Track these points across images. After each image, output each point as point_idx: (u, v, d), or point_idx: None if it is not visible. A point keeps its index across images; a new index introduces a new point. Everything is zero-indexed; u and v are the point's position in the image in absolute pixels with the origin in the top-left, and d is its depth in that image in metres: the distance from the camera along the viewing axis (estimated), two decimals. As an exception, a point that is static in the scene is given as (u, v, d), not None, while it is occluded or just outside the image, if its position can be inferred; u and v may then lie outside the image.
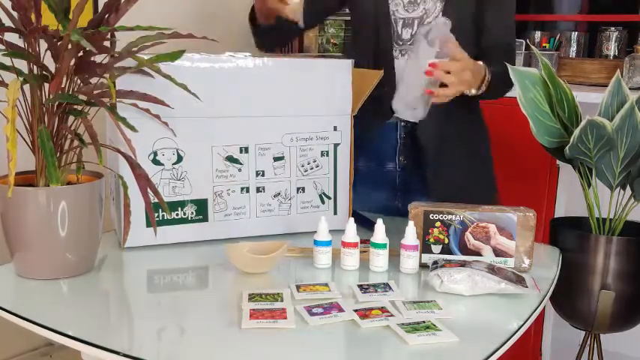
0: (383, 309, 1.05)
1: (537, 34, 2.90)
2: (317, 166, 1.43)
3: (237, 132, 1.35)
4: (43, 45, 1.10)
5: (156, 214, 1.30)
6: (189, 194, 1.33)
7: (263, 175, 1.39)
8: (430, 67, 1.33)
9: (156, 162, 1.30)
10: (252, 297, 1.08)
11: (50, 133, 1.09)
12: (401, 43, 1.52)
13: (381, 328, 1.00)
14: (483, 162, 1.64)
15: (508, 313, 1.09)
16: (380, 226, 1.23)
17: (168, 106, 1.17)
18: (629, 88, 1.51)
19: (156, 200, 1.18)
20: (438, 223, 1.24)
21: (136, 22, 1.12)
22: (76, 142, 1.14)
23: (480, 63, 1.42)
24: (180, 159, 1.32)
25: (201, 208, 1.35)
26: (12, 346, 1.95)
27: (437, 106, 1.41)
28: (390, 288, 1.15)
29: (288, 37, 1.88)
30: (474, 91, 1.43)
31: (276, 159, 1.40)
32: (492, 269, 1.15)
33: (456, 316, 1.05)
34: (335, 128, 1.43)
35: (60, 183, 1.11)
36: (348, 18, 2.06)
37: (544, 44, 2.80)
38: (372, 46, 1.55)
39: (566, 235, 1.49)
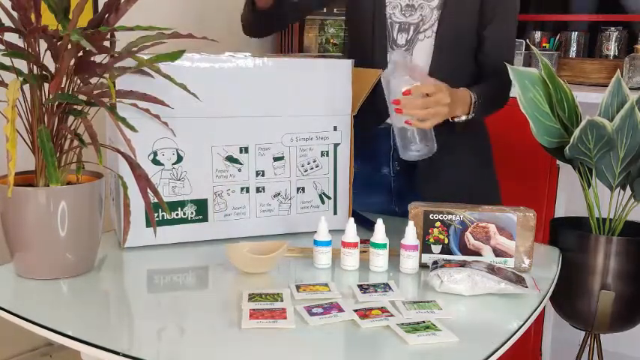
0: (383, 309, 1.05)
1: (537, 34, 2.90)
2: (317, 166, 1.43)
3: (237, 132, 1.35)
4: (43, 45, 1.10)
5: (156, 214, 1.30)
6: (189, 194, 1.33)
7: (263, 175, 1.39)
8: (404, 95, 1.32)
9: (156, 162, 1.30)
10: (252, 297, 1.08)
11: (50, 133, 1.09)
12: (395, 48, 1.52)
13: (381, 328, 1.00)
14: (486, 163, 1.64)
15: (508, 313, 1.09)
16: (380, 226, 1.23)
17: (168, 106, 1.17)
18: (629, 88, 1.51)
19: (156, 200, 1.18)
20: (437, 223, 1.24)
21: (136, 22, 1.11)
22: (75, 142, 1.14)
23: (462, 89, 1.41)
24: (180, 159, 1.32)
25: (201, 208, 1.35)
26: (12, 346, 1.95)
27: None
28: (390, 288, 1.15)
29: (286, 21, 1.82)
30: (463, 117, 1.43)
31: (276, 159, 1.40)
32: (492, 269, 1.15)
33: (456, 316, 1.05)
34: (335, 128, 1.43)
35: (60, 183, 1.11)
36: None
37: (544, 44, 2.80)
38: (366, 48, 1.54)
39: (566, 235, 1.49)
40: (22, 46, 1.11)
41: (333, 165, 1.45)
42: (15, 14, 1.09)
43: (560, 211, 2.25)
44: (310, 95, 1.40)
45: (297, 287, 1.13)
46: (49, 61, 1.11)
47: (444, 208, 1.25)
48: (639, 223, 1.54)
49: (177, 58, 1.14)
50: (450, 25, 1.47)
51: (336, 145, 1.44)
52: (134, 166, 1.15)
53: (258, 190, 1.39)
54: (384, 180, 1.60)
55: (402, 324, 1.00)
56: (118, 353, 0.90)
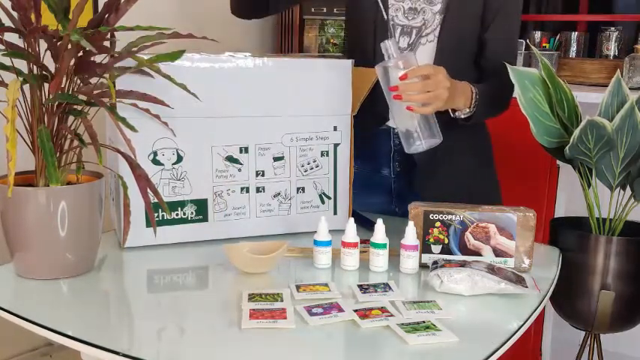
0: (383, 309, 1.05)
1: (537, 34, 2.90)
2: (317, 166, 1.43)
3: (237, 132, 1.35)
4: (43, 45, 1.10)
5: (156, 214, 1.30)
6: (189, 194, 1.33)
7: (263, 175, 1.39)
8: (401, 81, 1.28)
9: (156, 162, 1.30)
10: (252, 297, 1.08)
11: (50, 133, 1.09)
12: None
13: (380, 328, 1.00)
14: (486, 164, 1.63)
15: (508, 313, 1.09)
16: (380, 226, 1.23)
17: (168, 106, 1.17)
18: (629, 88, 1.50)
19: (156, 200, 1.18)
20: (437, 223, 1.24)
21: (136, 22, 1.11)
22: (75, 142, 1.14)
23: (463, 82, 1.39)
24: (180, 159, 1.32)
25: (201, 208, 1.35)
26: (12, 346, 1.95)
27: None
28: (390, 288, 1.15)
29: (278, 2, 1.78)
30: (466, 111, 1.42)
31: (276, 159, 1.40)
32: (492, 269, 1.15)
33: (456, 316, 1.05)
34: (335, 128, 1.43)
35: (60, 183, 1.11)
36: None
37: (544, 44, 2.80)
38: (367, 48, 1.53)
39: (566, 235, 1.49)
40: (22, 46, 1.11)
41: (333, 165, 1.45)
42: (15, 14, 1.09)
43: (560, 211, 2.25)
44: (310, 95, 1.40)
45: (297, 287, 1.13)
46: (49, 61, 1.11)
47: (444, 208, 1.25)
48: (639, 223, 1.54)
49: (177, 58, 1.14)
50: (453, 30, 1.47)
51: (336, 145, 1.44)
52: (134, 166, 1.15)
53: (258, 190, 1.39)
54: (385, 181, 1.60)
55: (402, 324, 1.00)
56: (118, 353, 0.90)
